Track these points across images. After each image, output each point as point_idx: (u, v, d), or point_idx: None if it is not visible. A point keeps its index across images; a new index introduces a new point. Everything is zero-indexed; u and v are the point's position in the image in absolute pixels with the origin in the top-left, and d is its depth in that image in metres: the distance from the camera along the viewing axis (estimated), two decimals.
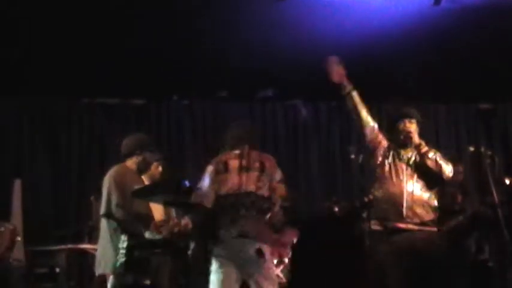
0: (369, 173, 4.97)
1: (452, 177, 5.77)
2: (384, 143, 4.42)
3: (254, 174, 4.04)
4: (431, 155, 4.27)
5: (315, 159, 7.01)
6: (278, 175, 4.14)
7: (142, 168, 4.48)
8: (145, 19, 5.07)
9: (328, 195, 6.26)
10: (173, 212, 5.00)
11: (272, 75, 6.15)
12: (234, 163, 4.08)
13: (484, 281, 5.29)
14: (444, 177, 4.28)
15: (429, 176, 4.27)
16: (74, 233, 5.47)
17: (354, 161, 5.35)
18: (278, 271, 5.30)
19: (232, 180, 4.02)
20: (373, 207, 4.29)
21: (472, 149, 4.72)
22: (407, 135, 4.35)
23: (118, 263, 4.01)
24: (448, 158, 4.44)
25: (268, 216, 4.01)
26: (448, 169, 4.27)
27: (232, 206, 3.96)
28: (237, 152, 4.15)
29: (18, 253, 5.44)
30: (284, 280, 5.24)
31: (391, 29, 5.25)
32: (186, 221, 4.65)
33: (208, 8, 4.96)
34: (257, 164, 4.08)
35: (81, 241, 5.27)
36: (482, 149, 4.53)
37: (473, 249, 5.50)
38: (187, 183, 4.02)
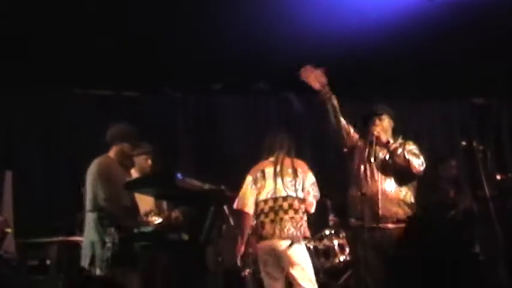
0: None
1: (445, 172, 5.81)
2: (360, 144, 4.44)
3: (287, 179, 4.56)
4: (399, 151, 4.27)
5: (307, 152, 7.00)
6: (310, 179, 4.68)
7: (121, 160, 4.42)
8: (139, 10, 5.03)
9: (321, 188, 6.28)
10: (164, 204, 4.99)
11: (265, 67, 6.14)
12: (269, 170, 4.62)
13: (474, 274, 5.32)
14: (414, 171, 4.29)
15: (398, 173, 4.29)
16: (65, 225, 5.44)
17: (346, 154, 5.34)
18: None
19: (270, 186, 4.56)
20: (351, 207, 4.33)
21: (464, 143, 4.73)
22: (375, 134, 4.37)
23: (104, 257, 3.99)
24: (439, 154, 4.46)
25: (304, 216, 4.52)
26: (417, 162, 4.28)
27: (271, 209, 4.49)
28: (271, 159, 4.69)
29: (9, 245, 5.40)
30: None
31: (386, 23, 5.24)
32: (176, 213, 4.66)
33: (203, 1, 4.94)
34: (290, 170, 4.60)
35: (73, 233, 5.25)
36: (475, 144, 4.55)
37: (465, 242, 5.52)
38: (180, 175, 4.01)
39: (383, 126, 4.45)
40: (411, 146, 4.39)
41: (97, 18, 5.10)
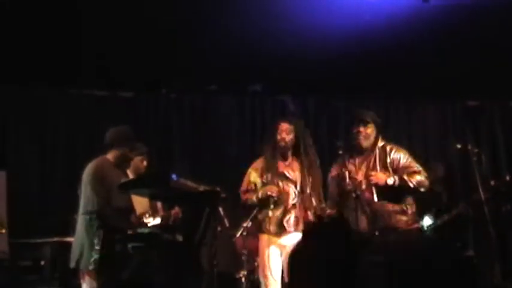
0: None
1: (434, 175, 5.81)
2: (334, 173, 4.62)
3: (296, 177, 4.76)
4: (403, 182, 4.28)
5: None
6: (316, 176, 4.76)
7: (119, 163, 4.39)
8: (134, 11, 5.03)
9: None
10: (159, 205, 4.98)
11: (261, 69, 6.14)
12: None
13: (469, 278, 5.33)
14: (424, 190, 4.33)
15: (393, 194, 4.30)
16: (59, 226, 5.43)
17: (341, 156, 5.35)
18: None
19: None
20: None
21: (459, 146, 4.75)
22: (356, 141, 4.49)
23: (92, 259, 3.98)
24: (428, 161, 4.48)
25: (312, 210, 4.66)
26: (423, 182, 4.34)
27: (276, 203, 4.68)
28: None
29: (2, 245, 5.39)
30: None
31: (380, 25, 5.25)
32: (176, 210, 4.66)
33: (199, 2, 4.94)
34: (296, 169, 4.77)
35: (67, 234, 5.23)
36: (469, 147, 4.56)
37: (458, 246, 5.53)
38: (175, 176, 4.00)
39: (366, 133, 4.47)
40: (401, 159, 4.38)
41: (93, 19, 5.09)
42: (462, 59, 5.92)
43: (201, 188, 4.74)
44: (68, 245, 5.09)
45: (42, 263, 5.33)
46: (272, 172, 4.71)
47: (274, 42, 5.51)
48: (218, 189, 4.88)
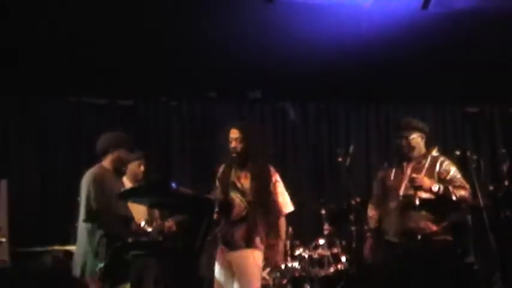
0: (357, 175, 4.99)
1: None
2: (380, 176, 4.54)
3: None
4: (447, 192, 4.21)
5: (303, 161, 7.02)
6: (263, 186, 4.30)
7: (118, 167, 4.38)
8: (134, 20, 5.05)
9: (316, 197, 6.29)
10: (156, 213, 4.98)
11: (261, 76, 6.16)
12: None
13: (469, 284, 5.32)
14: (465, 205, 4.33)
15: (434, 204, 4.25)
16: (60, 234, 5.43)
17: (341, 163, 5.35)
18: (265, 273, 5.31)
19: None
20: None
21: (458, 153, 4.74)
22: (401, 150, 4.42)
23: (97, 268, 3.97)
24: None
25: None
26: (466, 195, 4.27)
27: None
28: None
29: (3, 254, 5.40)
30: (271, 283, 5.24)
31: (379, 32, 5.27)
32: (170, 223, 4.65)
33: (198, 9, 4.96)
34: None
35: (68, 243, 5.24)
36: (468, 154, 4.56)
37: (459, 252, 5.53)
38: (174, 184, 4.00)
39: (410, 145, 4.41)
40: (451, 172, 4.33)
41: (92, 28, 5.11)
42: (461, 65, 5.93)
43: (201, 195, 4.73)
44: (69, 253, 5.10)
45: (43, 271, 5.33)
46: (222, 182, 4.29)
47: (274, 49, 5.53)
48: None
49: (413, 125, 4.47)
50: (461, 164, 4.50)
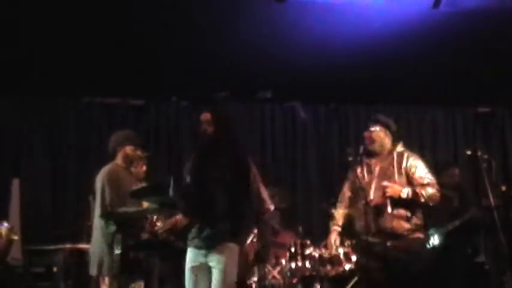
0: None
1: (448, 180, 5.81)
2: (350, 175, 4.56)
3: None
4: (414, 195, 4.26)
5: (313, 161, 7.02)
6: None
7: (127, 163, 4.50)
8: (145, 20, 5.08)
9: (326, 196, 6.28)
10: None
11: (271, 77, 6.16)
12: None
13: (480, 284, 5.31)
14: (433, 204, 4.32)
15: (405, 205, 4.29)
16: (71, 233, 5.48)
17: (351, 162, 5.35)
18: (275, 272, 5.32)
19: None
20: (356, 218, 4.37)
21: (469, 152, 4.73)
22: (367, 144, 4.48)
23: (114, 265, 4.01)
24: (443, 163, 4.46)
25: None
26: (434, 195, 4.29)
27: None
28: None
29: (15, 252, 5.45)
30: (281, 281, 5.25)
31: (390, 32, 5.26)
32: (179, 216, 4.62)
33: (209, 9, 4.97)
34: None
35: (79, 241, 5.28)
36: (479, 153, 4.56)
37: (470, 252, 5.52)
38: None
39: (371, 138, 4.49)
40: (418, 167, 4.36)
41: (104, 28, 5.14)
42: (473, 65, 5.91)
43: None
44: (81, 251, 5.15)
45: (55, 269, 5.37)
46: (195, 174, 3.90)
47: (285, 49, 5.53)
48: None
49: (379, 120, 4.53)
50: (472, 164, 4.49)
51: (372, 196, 4.31)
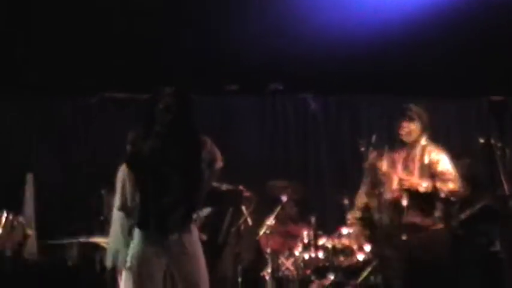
0: None
1: (461, 169, 5.76)
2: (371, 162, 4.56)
3: None
4: (435, 191, 4.24)
5: (324, 152, 7.00)
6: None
7: None
8: (152, 13, 5.08)
9: (339, 187, 6.27)
10: None
11: (282, 68, 6.15)
12: None
13: (495, 273, 5.28)
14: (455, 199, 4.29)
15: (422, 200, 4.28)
16: (85, 227, 5.52)
17: (363, 153, 5.34)
18: (289, 264, 5.32)
19: None
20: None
21: (482, 140, 4.70)
22: (399, 136, 4.50)
23: (130, 257, 4.03)
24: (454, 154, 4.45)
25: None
26: (455, 191, 4.29)
27: None
28: None
29: (31, 247, 5.49)
30: (295, 272, 5.25)
31: (401, 22, 5.22)
32: None
33: (218, 2, 4.96)
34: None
35: (93, 234, 5.32)
36: (493, 141, 4.52)
37: (484, 241, 5.47)
38: None
39: (410, 129, 4.44)
40: (440, 162, 4.34)
41: (113, 23, 5.15)
42: (486, 54, 5.86)
43: (224, 187, 4.76)
44: (94, 245, 5.19)
45: (69, 263, 5.41)
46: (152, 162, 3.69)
47: (295, 40, 5.51)
48: (241, 187, 4.90)
49: (416, 113, 4.53)
50: (486, 152, 4.46)
51: (392, 188, 4.28)
